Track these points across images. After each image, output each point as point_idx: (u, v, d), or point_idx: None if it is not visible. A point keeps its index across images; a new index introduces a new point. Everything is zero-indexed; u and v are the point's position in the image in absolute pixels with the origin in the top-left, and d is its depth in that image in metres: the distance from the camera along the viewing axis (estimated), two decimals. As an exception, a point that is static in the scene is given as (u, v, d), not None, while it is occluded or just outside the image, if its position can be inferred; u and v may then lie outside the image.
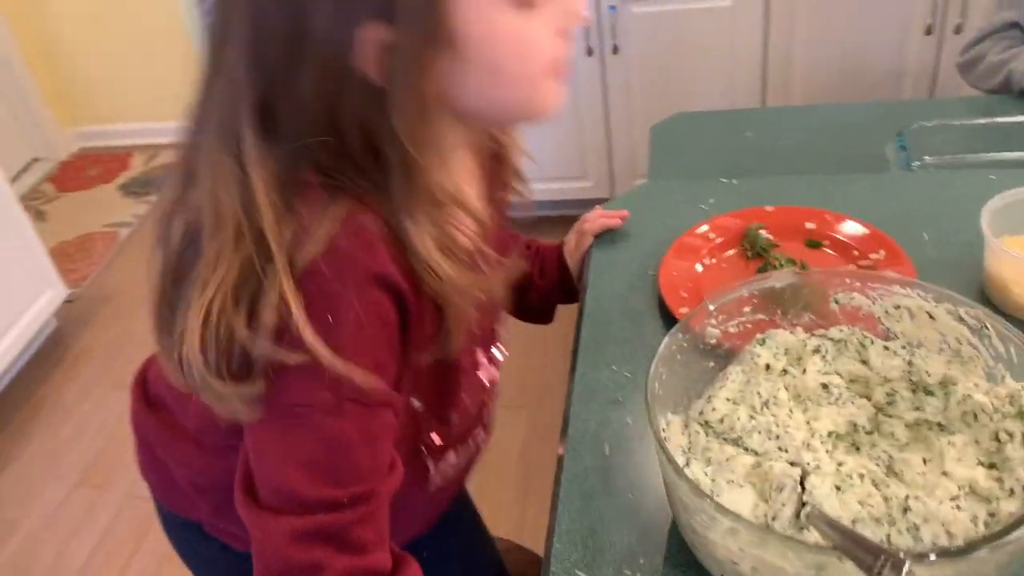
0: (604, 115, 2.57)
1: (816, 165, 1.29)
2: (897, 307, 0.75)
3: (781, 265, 0.95)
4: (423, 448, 0.78)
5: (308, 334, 0.55)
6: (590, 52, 2.45)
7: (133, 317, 2.60)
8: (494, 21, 0.58)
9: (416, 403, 0.72)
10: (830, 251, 0.99)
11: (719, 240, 1.02)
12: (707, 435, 0.71)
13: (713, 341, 0.76)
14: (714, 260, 1.00)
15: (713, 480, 0.67)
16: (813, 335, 0.77)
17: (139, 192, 3.20)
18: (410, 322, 0.62)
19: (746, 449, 0.69)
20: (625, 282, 1.00)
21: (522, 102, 0.65)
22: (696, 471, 0.67)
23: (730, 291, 0.76)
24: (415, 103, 0.58)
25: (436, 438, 0.78)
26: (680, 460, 0.68)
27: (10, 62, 3.21)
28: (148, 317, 0.63)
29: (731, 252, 1.01)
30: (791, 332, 0.78)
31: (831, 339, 0.77)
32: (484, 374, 0.82)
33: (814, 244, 1.00)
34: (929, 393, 0.72)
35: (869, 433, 0.71)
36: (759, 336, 0.77)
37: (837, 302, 0.77)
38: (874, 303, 0.76)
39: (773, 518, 0.63)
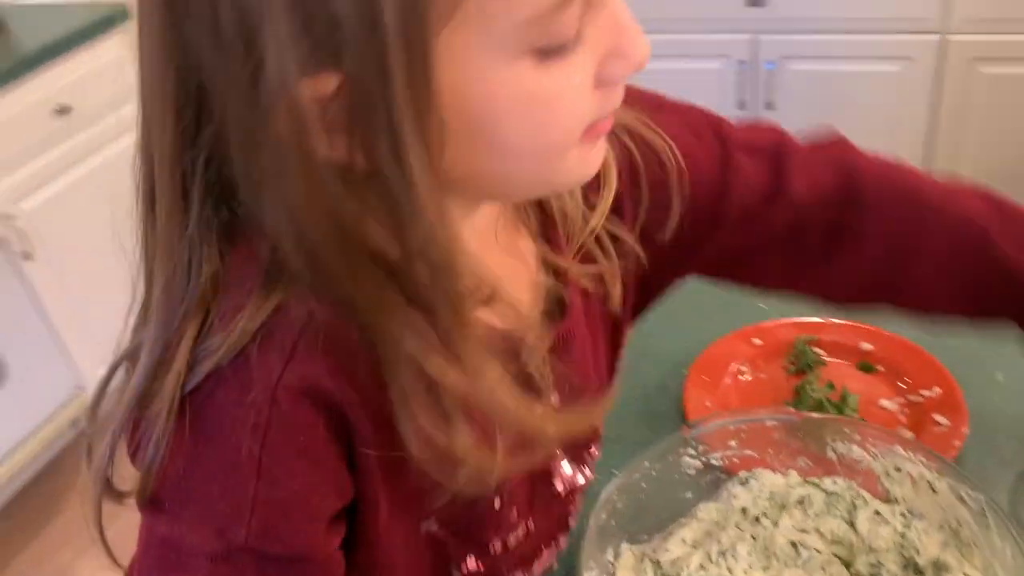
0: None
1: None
2: (898, 469, 0.68)
3: (814, 391, 0.88)
4: (455, 572, 0.63)
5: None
6: (742, 106, 2.38)
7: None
8: (514, 81, 0.42)
9: (432, 526, 0.58)
10: (882, 378, 0.91)
11: (762, 345, 0.96)
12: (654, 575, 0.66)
13: (691, 472, 0.72)
14: (752, 369, 0.94)
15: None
16: (806, 481, 0.71)
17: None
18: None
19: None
20: (655, 378, 0.95)
21: (535, 178, 0.49)
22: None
23: (713, 419, 0.72)
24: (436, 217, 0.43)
25: (473, 563, 0.63)
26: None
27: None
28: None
29: (776, 363, 0.95)
30: (782, 474, 0.72)
31: (823, 490, 0.70)
32: (561, 483, 0.66)
33: (867, 367, 0.92)
34: (919, 573, 0.64)
35: (833, 607, 0.64)
36: (743, 474, 0.72)
37: (835, 451, 0.71)
38: (875, 460, 0.69)
39: None
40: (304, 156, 0.40)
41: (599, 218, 0.59)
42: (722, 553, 0.67)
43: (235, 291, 0.45)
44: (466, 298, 0.46)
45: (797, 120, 2.39)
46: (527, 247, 0.59)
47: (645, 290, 0.68)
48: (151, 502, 0.47)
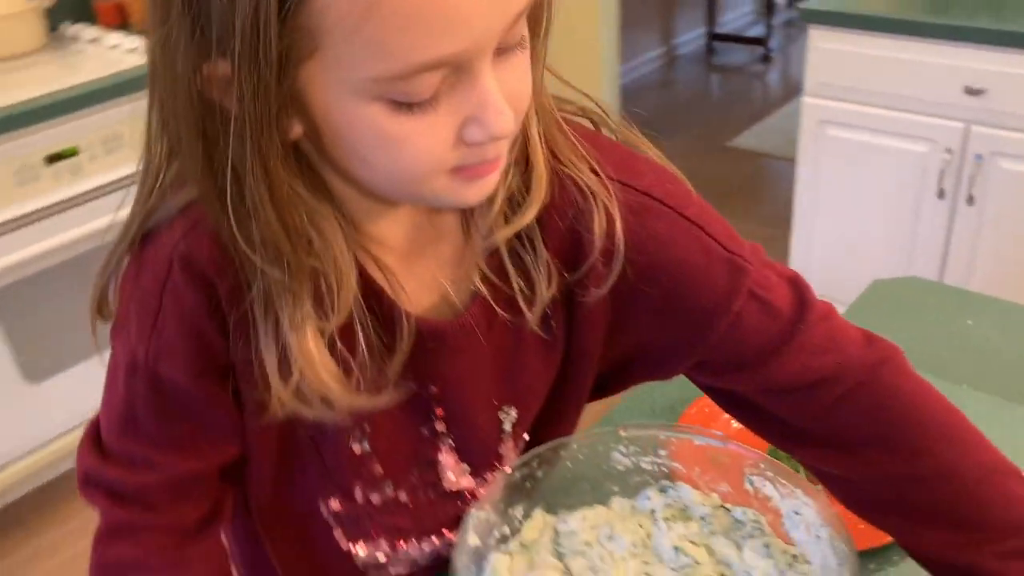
0: (940, 263, 2.38)
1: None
2: (797, 513, 0.72)
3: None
4: (321, 506, 0.73)
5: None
6: (941, 195, 2.29)
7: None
8: (362, 117, 0.50)
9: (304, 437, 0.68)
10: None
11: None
12: (551, 541, 0.75)
13: (620, 468, 0.79)
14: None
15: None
16: (723, 506, 0.76)
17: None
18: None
19: (565, 569, 0.72)
20: (666, 399, 1.02)
21: (408, 192, 0.57)
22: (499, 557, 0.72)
23: (649, 427, 0.78)
24: (270, 187, 0.52)
25: (336, 504, 0.73)
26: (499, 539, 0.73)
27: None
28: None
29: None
30: (704, 494, 0.77)
31: (732, 516, 0.75)
32: (448, 480, 0.74)
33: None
34: (785, 611, 0.68)
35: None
36: (665, 483, 0.78)
37: (752, 484, 0.75)
38: (782, 500, 0.73)
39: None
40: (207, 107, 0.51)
41: (505, 232, 0.63)
42: (610, 537, 0.74)
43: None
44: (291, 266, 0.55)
45: (995, 221, 2.26)
46: (448, 252, 0.66)
47: (613, 356, 0.73)
48: (112, 327, 0.64)
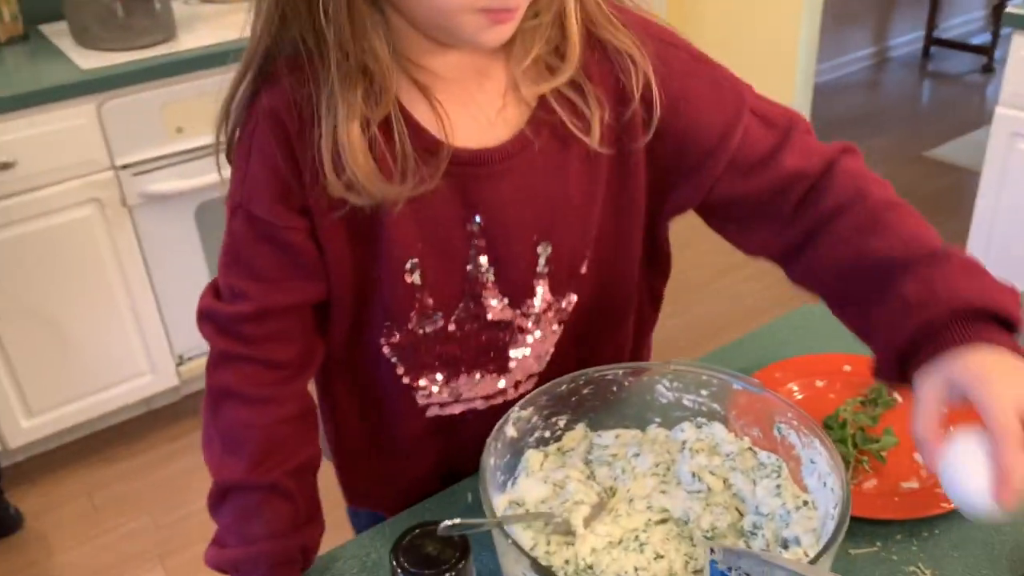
0: None
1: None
2: (813, 462, 0.76)
3: (845, 411, 0.93)
4: (384, 346, 0.85)
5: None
6: None
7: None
8: None
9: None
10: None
11: (849, 371, 1.01)
12: (584, 451, 0.83)
13: (663, 401, 0.85)
14: (827, 386, 1.01)
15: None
16: (751, 448, 0.81)
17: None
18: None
19: (591, 473, 0.80)
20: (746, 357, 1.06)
21: (441, 24, 0.71)
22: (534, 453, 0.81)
23: (693, 366, 0.84)
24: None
25: (396, 337, 0.85)
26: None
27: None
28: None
29: (853, 391, 1.00)
30: (737, 436, 0.82)
31: (758, 459, 0.80)
32: (492, 309, 0.84)
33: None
34: (785, 547, 0.73)
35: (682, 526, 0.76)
36: (701, 420, 0.84)
37: (779, 432, 0.79)
38: (802, 449, 0.77)
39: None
40: None
41: (551, 84, 0.78)
42: (636, 455, 0.81)
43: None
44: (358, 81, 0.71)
45: None
46: (493, 93, 0.79)
47: (657, 189, 0.86)
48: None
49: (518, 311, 0.86)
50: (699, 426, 0.84)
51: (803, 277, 0.83)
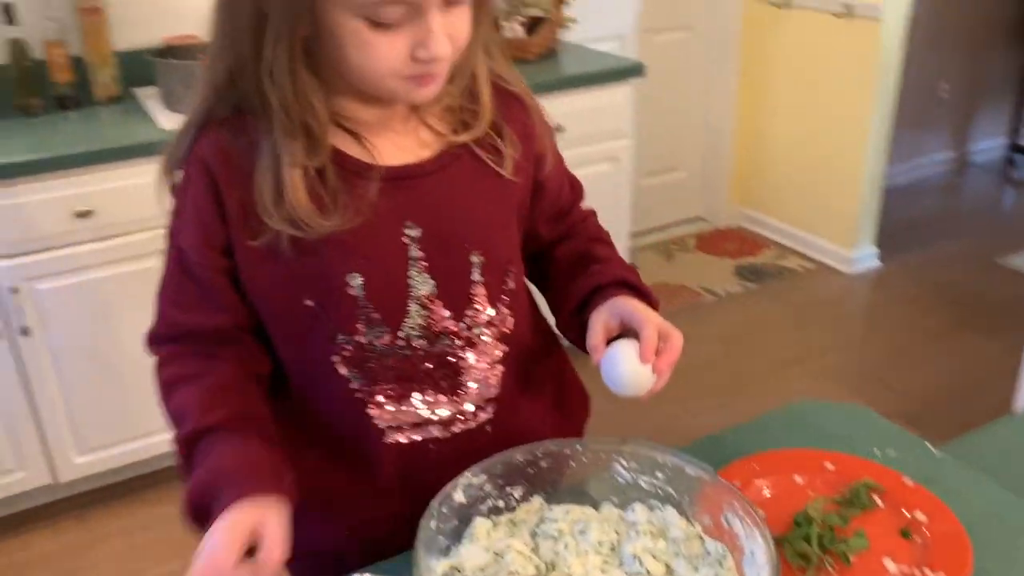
0: None
1: None
2: (752, 553, 0.76)
3: (815, 511, 0.92)
4: (336, 362, 0.91)
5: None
6: None
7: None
8: (348, 28, 0.78)
9: (306, 299, 0.88)
10: (913, 547, 0.90)
11: (831, 471, 1.00)
12: (534, 524, 0.84)
13: (620, 481, 0.86)
14: (805, 483, 0.99)
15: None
16: (700, 536, 0.81)
17: (748, 277, 3.60)
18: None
19: (535, 547, 0.81)
20: (728, 450, 1.06)
21: (374, 87, 0.84)
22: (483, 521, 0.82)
23: (646, 448, 0.85)
24: (290, 68, 0.80)
25: (347, 351, 0.91)
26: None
27: (722, 130, 3.90)
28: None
29: (832, 489, 0.99)
30: (690, 523, 0.83)
31: (705, 547, 0.80)
32: (436, 317, 0.92)
33: (906, 534, 0.92)
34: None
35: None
36: (655, 503, 0.85)
37: (727, 520, 0.79)
38: (745, 538, 0.77)
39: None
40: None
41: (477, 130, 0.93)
42: (582, 532, 0.82)
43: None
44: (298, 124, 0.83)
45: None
46: (414, 124, 0.92)
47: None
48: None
49: (462, 324, 0.93)
50: (652, 508, 0.84)
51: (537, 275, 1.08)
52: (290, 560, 0.80)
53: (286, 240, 0.84)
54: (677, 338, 0.91)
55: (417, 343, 0.92)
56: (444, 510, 0.79)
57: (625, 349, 0.88)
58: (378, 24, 0.78)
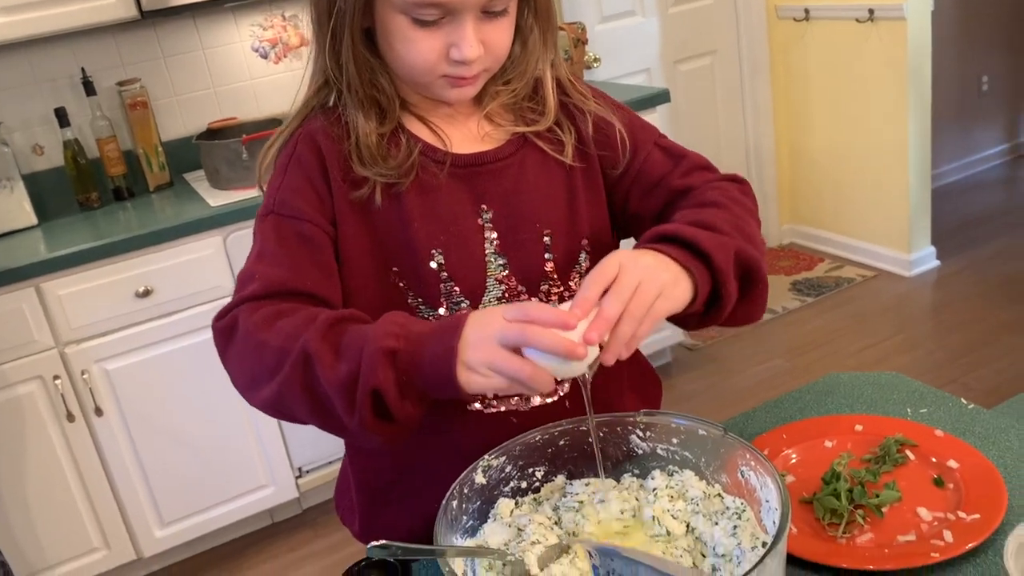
0: None
1: None
2: (767, 501, 0.76)
3: (840, 465, 0.91)
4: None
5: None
6: None
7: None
8: (395, 22, 0.88)
9: (394, 273, 0.95)
10: (946, 493, 0.89)
11: (860, 431, 0.99)
12: (556, 499, 0.85)
13: (638, 451, 0.87)
14: (836, 446, 0.99)
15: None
16: (722, 495, 0.82)
17: (806, 291, 3.55)
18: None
19: (557, 519, 0.83)
20: (760, 421, 1.06)
21: (415, 82, 0.94)
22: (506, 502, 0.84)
23: (662, 416, 0.86)
24: (353, 50, 0.91)
25: (429, 319, 0.95)
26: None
27: (762, 150, 3.89)
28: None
29: (864, 449, 0.98)
30: (708, 484, 0.83)
31: (724, 503, 0.80)
32: (514, 293, 0.97)
33: (939, 482, 0.91)
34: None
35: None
36: (672, 468, 0.85)
37: (743, 475, 0.80)
38: (760, 489, 0.77)
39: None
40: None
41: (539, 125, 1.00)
42: (601, 501, 0.83)
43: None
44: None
45: None
46: (477, 119, 1.00)
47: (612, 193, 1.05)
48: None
49: (536, 299, 0.98)
50: (671, 474, 0.85)
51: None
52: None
53: (379, 194, 0.93)
54: (613, 300, 0.77)
55: None
56: (466, 491, 0.81)
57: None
58: (419, 22, 0.87)
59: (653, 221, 0.99)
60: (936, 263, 3.57)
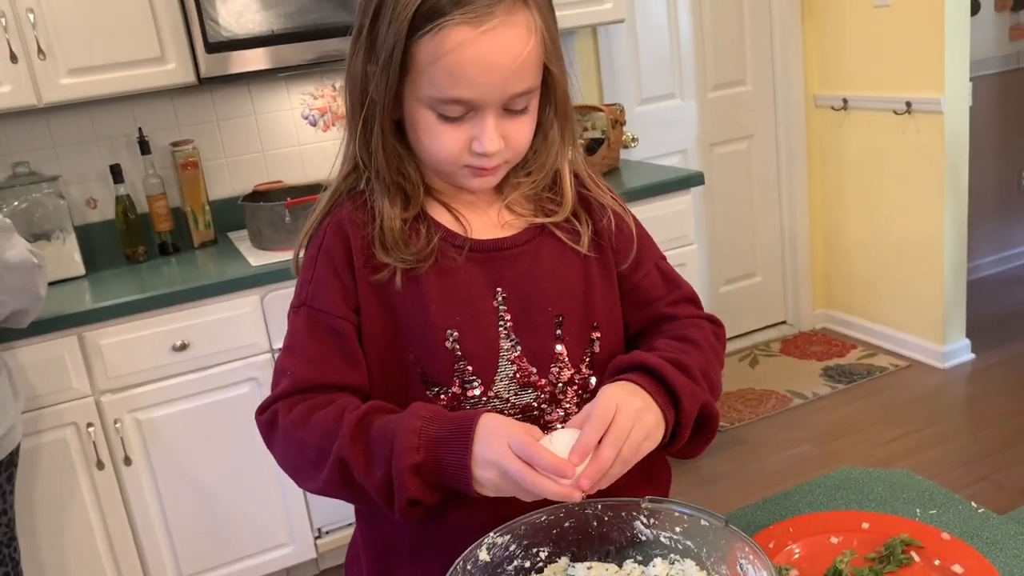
0: None
1: None
2: (764, 595, 0.77)
3: (843, 562, 0.92)
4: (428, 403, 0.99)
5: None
6: None
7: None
8: (421, 116, 0.94)
9: (410, 355, 1.00)
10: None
11: (866, 529, 1.00)
12: None
13: (642, 538, 0.89)
14: (840, 543, 0.99)
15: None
16: (720, 587, 0.83)
17: (837, 378, 3.53)
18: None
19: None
20: (765, 514, 1.06)
21: (439, 170, 1.00)
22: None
23: (667, 503, 0.88)
24: (382, 140, 0.97)
25: (443, 401, 1.01)
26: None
27: (797, 234, 3.91)
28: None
29: (868, 548, 0.98)
30: (708, 574, 0.85)
31: (724, 597, 0.82)
32: (521, 370, 1.02)
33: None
34: None
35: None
36: (674, 556, 0.87)
37: (742, 568, 0.81)
38: (758, 584, 0.78)
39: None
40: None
41: (557, 216, 1.06)
42: (601, 584, 0.84)
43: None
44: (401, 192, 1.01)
45: None
46: (498, 207, 1.06)
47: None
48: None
49: (545, 380, 1.03)
50: (672, 562, 0.87)
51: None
52: None
53: (400, 277, 0.98)
54: (608, 448, 0.86)
55: (505, 395, 1.01)
56: (470, 567, 0.83)
57: (560, 441, 0.87)
58: (445, 117, 0.93)
59: (632, 334, 1.11)
60: (971, 356, 3.54)
